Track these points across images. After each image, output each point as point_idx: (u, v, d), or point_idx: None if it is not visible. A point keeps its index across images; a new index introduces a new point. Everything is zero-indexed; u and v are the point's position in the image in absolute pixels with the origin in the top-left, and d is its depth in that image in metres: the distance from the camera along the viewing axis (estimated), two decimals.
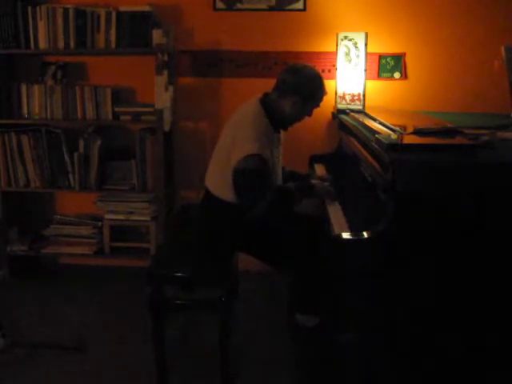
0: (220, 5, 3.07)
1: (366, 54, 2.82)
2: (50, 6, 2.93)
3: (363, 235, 1.64)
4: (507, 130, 2.07)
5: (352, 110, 2.81)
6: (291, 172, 2.55)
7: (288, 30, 3.07)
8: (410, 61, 3.06)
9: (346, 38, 2.84)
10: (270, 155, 2.09)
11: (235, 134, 2.13)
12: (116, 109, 3.04)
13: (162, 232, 3.07)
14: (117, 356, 2.41)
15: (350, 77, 2.87)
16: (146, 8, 2.92)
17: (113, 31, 2.93)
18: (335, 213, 2.07)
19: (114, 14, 2.91)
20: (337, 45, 2.88)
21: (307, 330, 2.27)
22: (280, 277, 2.52)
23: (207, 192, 2.27)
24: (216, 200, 2.20)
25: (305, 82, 2.16)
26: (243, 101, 3.11)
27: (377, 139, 1.81)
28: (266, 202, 2.07)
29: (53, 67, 3.10)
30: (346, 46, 2.85)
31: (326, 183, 2.35)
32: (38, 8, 2.93)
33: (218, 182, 2.19)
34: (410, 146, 1.71)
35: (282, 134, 2.32)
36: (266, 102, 2.19)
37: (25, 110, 3.07)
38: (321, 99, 2.23)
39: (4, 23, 2.94)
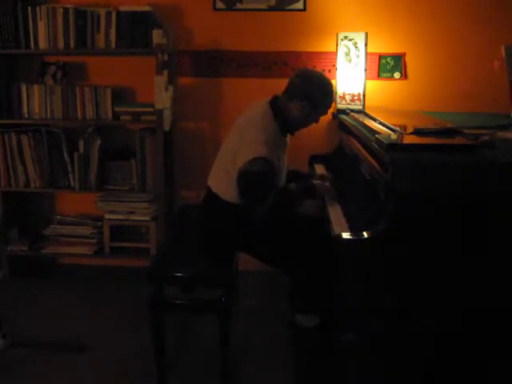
0: (220, 5, 3.08)
1: (366, 53, 2.82)
2: (50, 6, 2.93)
3: (363, 235, 1.64)
4: (507, 129, 2.07)
5: (352, 110, 2.81)
6: (293, 171, 2.55)
7: (288, 30, 3.07)
8: (410, 61, 3.06)
9: (345, 38, 2.85)
10: (275, 158, 2.10)
11: (243, 134, 2.13)
12: (116, 109, 3.04)
13: (162, 232, 3.07)
14: (117, 356, 2.41)
15: (349, 77, 2.87)
16: (146, 8, 2.92)
17: (113, 31, 2.93)
18: (335, 213, 2.07)
19: (113, 14, 2.91)
20: (337, 45, 2.88)
21: (307, 329, 2.27)
22: (280, 277, 2.52)
23: (209, 191, 2.27)
24: (218, 200, 2.20)
25: (314, 88, 2.17)
26: (243, 101, 3.12)
27: (377, 139, 1.81)
28: (267, 203, 2.07)
29: (53, 67, 3.10)
30: (346, 46, 2.85)
31: (327, 183, 2.35)
32: (37, 8, 2.93)
33: (222, 181, 2.19)
34: (409, 146, 1.71)
35: (289, 137, 2.32)
36: (275, 104, 2.20)
37: (25, 110, 3.07)
38: (329, 106, 2.24)
39: (4, 23, 2.94)
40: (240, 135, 2.13)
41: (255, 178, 2.05)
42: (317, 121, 2.27)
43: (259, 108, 2.20)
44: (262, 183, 2.07)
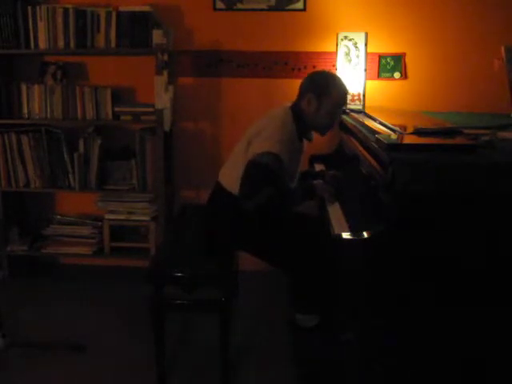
0: (220, 5, 3.08)
1: (366, 53, 2.82)
2: (50, 6, 2.93)
3: (363, 235, 1.64)
4: (507, 129, 2.06)
5: (352, 110, 2.81)
6: (304, 172, 2.57)
7: (288, 30, 3.07)
8: (410, 61, 3.06)
9: (345, 38, 2.85)
10: (286, 158, 2.11)
11: (260, 131, 2.15)
12: (116, 109, 3.04)
13: (161, 232, 3.07)
14: (117, 356, 2.41)
15: (350, 77, 2.87)
16: (146, 8, 2.92)
17: (113, 31, 2.93)
18: (335, 213, 2.07)
19: (114, 14, 2.91)
20: (337, 45, 2.88)
21: (307, 329, 2.27)
22: (280, 277, 2.52)
23: (219, 187, 2.27)
24: (229, 196, 2.21)
25: (315, 78, 2.23)
26: (243, 101, 3.15)
27: (377, 139, 1.81)
28: (263, 197, 2.07)
29: (53, 67, 3.10)
30: (346, 46, 2.85)
31: (328, 184, 2.35)
32: (37, 8, 2.93)
33: (235, 177, 2.19)
34: (409, 146, 1.71)
35: (306, 144, 2.34)
36: (293, 108, 2.24)
37: (25, 110, 3.07)
38: (338, 97, 2.21)
39: (4, 23, 2.94)
40: (257, 132, 2.17)
41: (260, 170, 2.07)
42: (331, 120, 2.24)
43: (281, 110, 2.25)
44: (264, 177, 2.08)
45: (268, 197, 2.07)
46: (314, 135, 2.38)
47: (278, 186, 2.12)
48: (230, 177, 2.23)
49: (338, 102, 2.22)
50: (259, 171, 2.08)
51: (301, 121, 2.22)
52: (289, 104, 2.28)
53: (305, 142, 2.34)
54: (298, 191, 2.26)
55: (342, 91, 2.23)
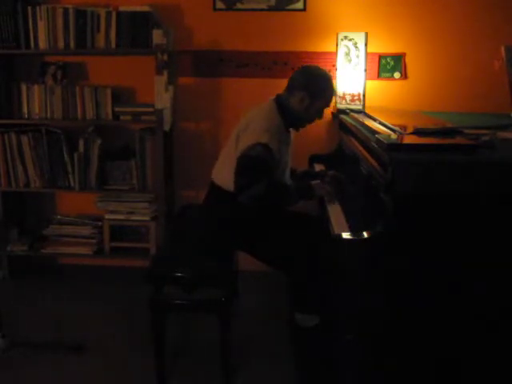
0: (220, 5, 3.08)
1: (366, 53, 2.82)
2: (50, 6, 2.93)
3: (363, 235, 1.64)
4: (507, 129, 2.06)
5: (352, 110, 2.81)
6: (304, 172, 2.57)
7: (288, 30, 3.07)
8: (410, 61, 3.06)
9: (345, 38, 2.84)
10: (276, 148, 2.13)
11: (248, 125, 2.18)
12: (116, 109, 3.04)
13: (162, 232, 3.07)
14: (117, 356, 2.41)
15: (350, 77, 2.87)
16: (146, 8, 2.92)
17: (113, 31, 2.93)
18: (335, 213, 2.07)
19: (114, 14, 2.91)
20: (337, 45, 2.88)
21: (307, 329, 2.27)
22: (280, 277, 2.52)
23: (213, 185, 2.28)
24: (221, 191, 2.22)
25: (312, 79, 2.24)
26: (243, 101, 3.14)
27: (377, 139, 1.81)
28: (257, 192, 2.07)
29: (53, 67, 3.10)
30: (346, 46, 2.85)
31: (326, 184, 2.35)
32: (37, 8, 2.93)
33: (225, 172, 2.20)
34: (410, 146, 1.71)
35: (293, 134, 2.36)
36: (279, 100, 2.28)
37: (25, 110, 3.06)
38: (329, 98, 2.28)
39: (4, 23, 2.94)
40: (245, 126, 2.19)
41: (252, 162, 2.09)
42: (320, 116, 2.31)
43: (265, 104, 2.29)
44: (257, 168, 2.09)
45: (263, 188, 2.07)
46: (312, 135, 2.39)
47: (271, 175, 2.13)
48: (223, 174, 2.24)
49: (327, 102, 2.29)
50: (251, 163, 2.09)
51: (285, 113, 2.25)
52: (272, 97, 2.30)
53: (292, 132, 2.36)
54: (295, 190, 2.25)
55: (332, 93, 2.30)
